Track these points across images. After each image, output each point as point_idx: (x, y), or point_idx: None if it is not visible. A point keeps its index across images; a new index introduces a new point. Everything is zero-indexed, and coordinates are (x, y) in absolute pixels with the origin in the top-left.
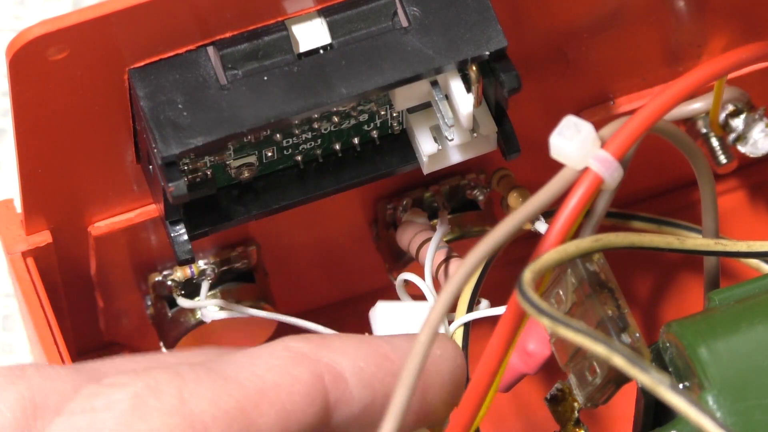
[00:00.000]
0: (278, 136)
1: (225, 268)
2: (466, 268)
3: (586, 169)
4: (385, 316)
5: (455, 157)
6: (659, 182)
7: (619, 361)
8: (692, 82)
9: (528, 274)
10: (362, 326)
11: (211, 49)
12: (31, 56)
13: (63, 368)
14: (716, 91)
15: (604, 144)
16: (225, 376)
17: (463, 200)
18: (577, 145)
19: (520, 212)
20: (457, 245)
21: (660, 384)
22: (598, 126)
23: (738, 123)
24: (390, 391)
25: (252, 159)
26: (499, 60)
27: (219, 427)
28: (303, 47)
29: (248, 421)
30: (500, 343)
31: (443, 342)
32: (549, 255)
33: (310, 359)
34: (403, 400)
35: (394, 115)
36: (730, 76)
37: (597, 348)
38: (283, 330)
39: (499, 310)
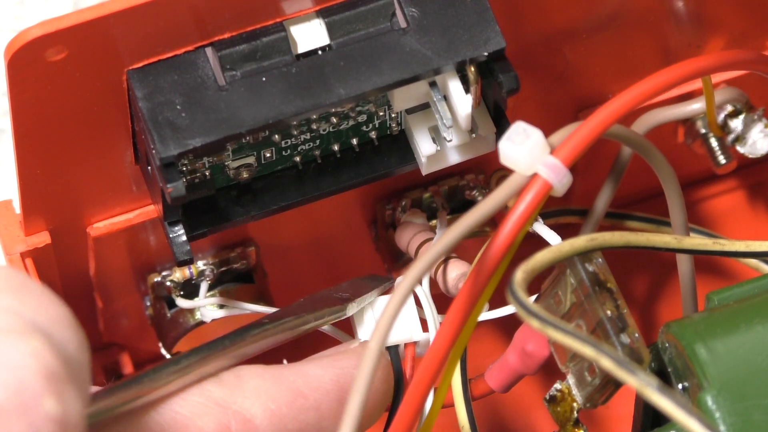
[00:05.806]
0: (277, 137)
1: (224, 268)
2: (411, 276)
3: (535, 175)
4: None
5: (454, 158)
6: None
7: (607, 363)
8: (646, 89)
9: (519, 275)
10: None
11: (209, 50)
12: (30, 57)
13: None
14: (706, 92)
15: (553, 150)
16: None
17: (462, 201)
18: (525, 150)
19: (466, 219)
20: (456, 246)
21: (647, 386)
22: None
23: (737, 124)
24: (304, 427)
25: (251, 160)
26: (497, 61)
27: None
28: (301, 48)
29: None
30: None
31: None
32: (542, 254)
33: (219, 407)
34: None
35: (393, 115)
36: (729, 76)
37: (584, 350)
38: None
39: (498, 312)
